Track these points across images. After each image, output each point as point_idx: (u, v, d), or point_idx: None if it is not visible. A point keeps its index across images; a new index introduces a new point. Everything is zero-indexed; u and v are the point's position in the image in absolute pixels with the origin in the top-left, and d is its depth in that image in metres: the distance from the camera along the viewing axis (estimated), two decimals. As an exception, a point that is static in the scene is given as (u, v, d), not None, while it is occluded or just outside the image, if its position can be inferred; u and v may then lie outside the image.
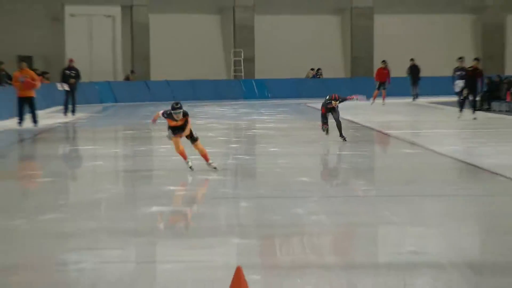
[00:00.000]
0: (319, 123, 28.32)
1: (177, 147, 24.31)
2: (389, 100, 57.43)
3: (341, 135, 27.82)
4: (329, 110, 27.24)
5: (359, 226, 18.58)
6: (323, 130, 28.20)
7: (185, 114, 23.71)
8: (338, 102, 26.90)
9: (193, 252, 15.23)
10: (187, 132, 24.97)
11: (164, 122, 26.22)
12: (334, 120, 27.35)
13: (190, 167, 23.69)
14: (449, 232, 17.17)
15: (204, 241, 16.23)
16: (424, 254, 14.88)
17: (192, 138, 25.31)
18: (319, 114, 48.66)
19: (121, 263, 14.70)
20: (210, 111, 53.05)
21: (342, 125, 27.54)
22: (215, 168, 24.28)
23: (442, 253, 14.96)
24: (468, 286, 12.89)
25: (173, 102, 23.13)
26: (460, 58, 52.87)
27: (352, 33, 66.93)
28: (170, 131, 23.79)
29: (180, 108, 22.93)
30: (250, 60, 65.26)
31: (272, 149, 33.36)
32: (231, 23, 65.78)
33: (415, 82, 58.66)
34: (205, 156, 24.59)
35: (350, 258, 15.39)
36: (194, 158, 26.40)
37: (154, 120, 25.28)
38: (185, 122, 24.77)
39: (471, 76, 46.28)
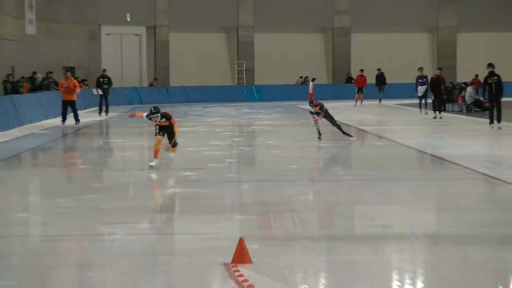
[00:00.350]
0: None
1: (156, 144, 22.62)
2: (363, 102, 57.21)
3: (344, 133, 26.83)
4: (315, 113, 25.94)
5: (338, 204, 18.64)
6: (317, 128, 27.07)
7: (167, 118, 21.95)
8: (318, 107, 25.94)
9: (203, 225, 15.28)
10: (174, 139, 23.40)
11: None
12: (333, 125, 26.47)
13: (151, 166, 22.13)
14: (412, 209, 17.22)
15: (212, 216, 16.29)
16: (391, 227, 14.95)
17: (173, 144, 23.79)
18: (307, 113, 48.67)
19: (145, 234, 14.76)
20: (218, 111, 52.87)
21: (341, 126, 26.80)
22: (151, 166, 22.83)
23: (406, 226, 15.02)
24: (427, 252, 12.94)
25: (151, 106, 21.73)
26: (420, 68, 52.78)
27: (333, 48, 66.79)
28: (157, 127, 22.23)
29: (157, 112, 21.34)
30: (250, 70, 65.21)
31: (268, 142, 33.36)
32: (235, 40, 65.65)
33: (380, 88, 58.51)
34: (168, 148, 23.43)
35: (331, 230, 15.53)
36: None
37: (133, 115, 24.44)
38: (170, 125, 22.96)
39: (435, 83, 46.14)
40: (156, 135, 21.76)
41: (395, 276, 11.44)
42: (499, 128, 36.41)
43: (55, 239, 14.52)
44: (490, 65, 37.64)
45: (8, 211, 16.75)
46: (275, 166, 25.33)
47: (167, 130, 21.98)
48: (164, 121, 20.72)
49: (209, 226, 15.26)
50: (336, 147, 29.90)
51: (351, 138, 26.39)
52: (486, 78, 37.82)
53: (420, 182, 21.58)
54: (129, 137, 34.85)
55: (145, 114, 22.52)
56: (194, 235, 14.80)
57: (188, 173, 23.50)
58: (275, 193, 19.40)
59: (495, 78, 37.33)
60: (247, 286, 10.31)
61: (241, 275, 10.61)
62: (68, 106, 39.83)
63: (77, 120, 39.85)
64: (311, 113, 26.14)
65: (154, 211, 17.86)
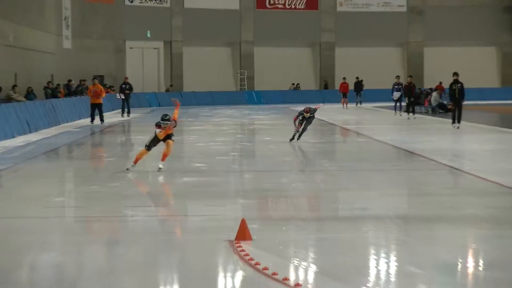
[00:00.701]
0: (294, 126, 26.53)
1: (140, 154, 20.03)
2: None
3: (299, 137, 25.90)
4: (303, 119, 25.12)
5: (325, 191, 18.74)
6: (295, 133, 26.18)
7: (168, 122, 19.24)
8: (309, 114, 24.90)
9: (211, 208, 15.25)
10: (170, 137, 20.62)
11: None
12: (303, 129, 25.64)
13: (127, 169, 19.61)
14: (386, 194, 17.14)
15: (219, 201, 16.27)
16: (369, 210, 14.97)
17: (169, 136, 20.82)
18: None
19: (162, 216, 14.87)
20: (223, 112, 52.72)
21: (305, 132, 26.25)
22: (159, 168, 19.88)
23: (381, 209, 15.04)
24: (398, 230, 13.12)
25: (163, 114, 19.36)
26: (397, 76, 52.74)
27: (320, 60, 66.56)
28: (152, 141, 19.50)
29: (169, 120, 18.90)
30: (251, 78, 65.02)
31: (266, 138, 33.49)
32: (238, 53, 65.47)
33: (358, 93, 58.37)
34: (164, 156, 20.23)
35: (318, 212, 15.55)
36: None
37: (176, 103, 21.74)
38: (170, 135, 20.36)
39: (407, 88, 46.08)
40: (145, 147, 19.18)
41: (372, 250, 11.49)
42: (458, 127, 36.36)
43: (87, 220, 14.56)
44: (455, 73, 37.65)
45: (48, 196, 16.76)
46: (272, 158, 25.26)
47: (165, 139, 19.40)
48: (169, 129, 18.75)
49: (216, 209, 15.26)
50: (322, 142, 30.03)
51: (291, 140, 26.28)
52: (451, 85, 37.78)
53: (393, 172, 21.56)
54: (147, 134, 34.87)
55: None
56: (204, 216, 14.84)
57: (199, 164, 23.55)
58: (271, 181, 19.48)
59: (459, 85, 37.35)
60: (248, 260, 10.35)
61: (243, 250, 10.73)
62: (96, 108, 39.83)
63: (102, 120, 39.66)
64: (303, 118, 25.29)
65: (170, 196, 18.01)
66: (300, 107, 55.82)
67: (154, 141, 19.19)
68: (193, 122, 42.60)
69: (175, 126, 19.74)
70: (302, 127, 24.77)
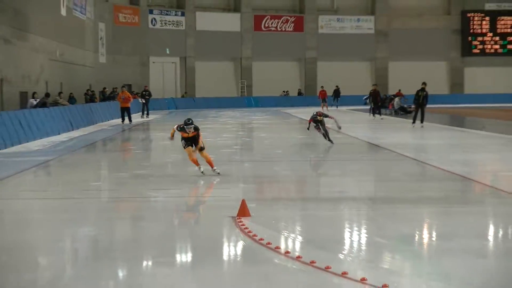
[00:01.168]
0: (308, 124, 24.50)
1: (190, 156, 17.53)
2: (340, 112, 57.03)
3: (329, 139, 23.82)
4: (317, 121, 23.51)
5: (310, 177, 18.89)
6: (309, 128, 24.27)
7: (196, 129, 17.26)
8: (321, 117, 23.56)
9: (217, 191, 15.39)
10: (199, 144, 18.15)
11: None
12: (323, 130, 23.82)
13: (202, 172, 17.10)
14: (359, 180, 17.23)
15: (223, 185, 16.23)
16: (345, 192, 14.86)
17: (201, 148, 18.44)
18: (288, 115, 48.36)
19: (178, 197, 14.70)
20: (227, 114, 52.50)
21: (329, 133, 24.41)
22: (218, 173, 17.55)
23: (354, 192, 15.01)
24: (368, 209, 13.13)
25: (186, 118, 17.02)
26: (375, 84, 52.66)
27: (305, 71, 66.15)
28: (183, 141, 17.34)
29: (192, 124, 16.67)
30: (249, 86, 64.70)
31: (261, 135, 33.15)
32: (239, 66, 65.13)
33: (336, 98, 57.98)
34: (210, 163, 17.83)
35: (304, 194, 15.69)
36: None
37: (172, 136, 18.35)
38: (197, 135, 18.20)
39: (373, 95, 45.86)
40: (185, 147, 17.02)
41: (347, 225, 11.65)
42: (422, 126, 35.92)
43: (117, 200, 14.57)
44: (424, 83, 37.34)
45: (87, 181, 16.74)
46: (266, 150, 25.28)
47: (193, 140, 17.13)
48: (193, 132, 16.50)
49: (222, 191, 15.33)
50: (307, 138, 29.61)
51: (333, 143, 24.06)
52: (418, 91, 37.34)
53: (364, 162, 21.57)
54: (166, 131, 34.86)
55: (176, 126, 17.79)
56: (212, 197, 15.15)
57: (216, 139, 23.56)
58: (266, 169, 19.49)
59: (424, 92, 37.04)
60: (247, 232, 10.34)
61: (243, 225, 10.81)
62: (124, 111, 39.69)
63: (130, 120, 39.33)
64: (317, 121, 23.72)
65: (185, 181, 17.66)
66: (289, 110, 55.70)
67: (187, 140, 16.90)
68: (203, 121, 42.39)
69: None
70: (322, 130, 23.63)
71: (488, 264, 9.23)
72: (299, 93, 68.56)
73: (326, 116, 23.06)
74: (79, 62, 48.33)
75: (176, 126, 17.91)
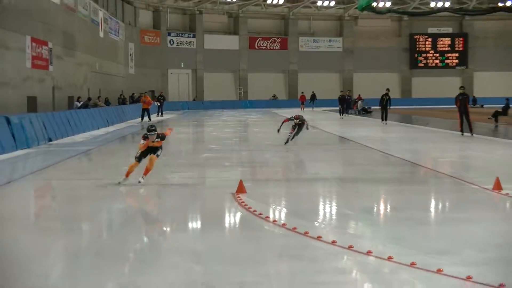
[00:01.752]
0: (280, 125, 22.44)
1: (132, 167, 13.33)
2: (315, 113, 56.91)
3: (292, 139, 20.91)
4: (295, 125, 21.05)
5: (293, 162, 18.66)
6: (279, 131, 21.57)
7: (162, 138, 13.64)
8: (298, 120, 21.23)
9: (221, 174, 15.11)
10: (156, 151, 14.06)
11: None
12: (295, 133, 21.37)
13: (119, 183, 13.02)
14: (331, 165, 17.13)
15: (225, 168, 16.21)
16: (319, 174, 14.84)
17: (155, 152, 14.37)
18: (275, 114, 48.13)
19: (190, 178, 14.49)
20: (228, 113, 52.20)
21: (298, 135, 21.84)
22: (139, 182, 13.26)
23: (327, 173, 14.90)
24: (338, 187, 13.08)
25: (149, 125, 13.53)
26: (349, 90, 52.69)
27: (289, 81, 65.89)
28: (138, 151, 13.35)
29: (155, 131, 13.16)
30: (245, 92, 64.37)
31: (255, 129, 33.13)
32: (238, 76, 64.90)
33: (313, 101, 57.58)
34: (147, 170, 13.65)
35: (288, 176, 15.55)
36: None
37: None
38: (159, 147, 14.14)
39: (342, 99, 45.54)
40: (135, 159, 13.09)
41: (321, 200, 11.72)
42: (386, 123, 35.22)
43: (144, 182, 14.48)
44: (387, 89, 37.05)
45: (120, 165, 16.63)
46: (259, 142, 25.08)
47: (151, 151, 13.23)
48: (157, 141, 12.93)
49: (224, 173, 15.20)
50: (288, 132, 29.64)
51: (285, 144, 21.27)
52: (383, 95, 36.86)
53: (335, 151, 21.52)
54: (180, 126, 34.75)
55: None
56: (216, 178, 14.84)
57: (213, 146, 23.23)
58: (259, 156, 19.35)
59: (388, 96, 36.70)
60: (244, 205, 10.32)
61: (240, 199, 10.78)
62: (145, 111, 39.41)
63: (149, 119, 38.96)
64: (295, 124, 21.40)
65: (195, 165, 17.51)
66: (276, 110, 55.55)
67: (143, 153, 12.86)
68: (209, 119, 42.37)
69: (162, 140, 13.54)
70: (294, 132, 21.51)
71: (431, 230, 9.35)
72: (274, 97, 68.18)
73: (304, 119, 21.48)
74: (113, 73, 48.37)
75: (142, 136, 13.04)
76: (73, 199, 12.01)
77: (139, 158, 12.90)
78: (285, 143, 21.53)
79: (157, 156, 13.11)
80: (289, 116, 22.06)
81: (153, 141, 12.81)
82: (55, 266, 7.24)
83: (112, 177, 15.05)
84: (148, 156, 12.93)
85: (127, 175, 12.67)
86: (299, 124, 21.27)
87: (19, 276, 6.74)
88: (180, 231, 8.88)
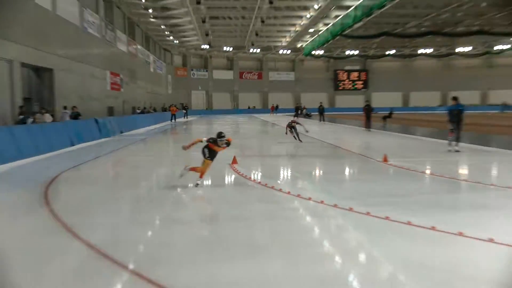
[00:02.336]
0: (286, 130, 21.86)
1: (205, 168, 9.65)
2: (278, 116, 56.94)
3: (299, 139, 17.70)
4: (291, 127, 18.11)
5: (265, 146, 18.16)
6: (286, 133, 18.48)
7: (228, 144, 10.13)
8: (295, 123, 18.31)
9: (223, 152, 14.90)
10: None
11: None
12: (295, 133, 18.02)
13: (197, 184, 9.11)
14: (286, 146, 16.76)
15: (226, 150, 15.89)
16: (283, 153, 14.72)
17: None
18: (255, 118, 47.24)
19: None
20: (227, 117, 51.62)
21: (300, 135, 18.65)
22: (197, 185, 9.14)
23: (288, 152, 14.80)
24: (293, 160, 12.83)
25: (219, 131, 10.09)
26: (297, 104, 52.31)
27: (263, 98, 65.40)
28: (207, 151, 9.81)
29: (225, 137, 9.98)
30: (237, 104, 63.63)
31: (245, 126, 32.32)
32: (232, 95, 64.15)
33: (276, 109, 57.99)
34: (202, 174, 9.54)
35: (266, 153, 15.19)
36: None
37: (188, 147, 9.96)
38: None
39: (296, 107, 44.54)
40: (206, 158, 9.73)
41: (282, 168, 11.52)
42: (324, 123, 33.50)
43: (175, 155, 14.19)
44: (321, 102, 36.48)
45: (162, 147, 16.42)
46: (247, 133, 24.51)
47: (216, 155, 9.93)
48: (223, 146, 9.85)
49: (225, 152, 14.74)
50: (264, 128, 29.16)
51: (301, 142, 17.89)
52: (319, 106, 36.37)
53: (290, 138, 20.89)
54: (198, 124, 34.37)
55: (206, 138, 9.92)
56: (219, 155, 14.54)
57: (222, 128, 23.14)
58: (247, 142, 18.90)
59: (322, 107, 36.22)
60: (236, 171, 10.31)
61: (234, 168, 10.74)
62: (173, 116, 38.82)
63: (175, 120, 38.65)
64: (292, 127, 18.33)
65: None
66: (256, 115, 54.38)
67: (213, 152, 9.51)
68: (216, 121, 41.84)
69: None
70: (295, 133, 18.15)
71: (346, 185, 9.35)
72: (254, 107, 67.35)
73: (298, 123, 18.96)
74: (159, 93, 47.87)
75: (209, 137, 9.66)
76: (134, 167, 11.89)
77: (210, 156, 9.23)
78: (300, 141, 17.92)
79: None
80: (287, 123, 19.24)
81: (220, 146, 9.29)
82: (123, 206, 7.29)
83: (158, 154, 15.05)
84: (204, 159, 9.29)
85: (202, 175, 9.07)
86: (294, 127, 18.45)
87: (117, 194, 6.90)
88: (195, 186, 8.86)
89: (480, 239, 5.09)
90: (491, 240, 5.03)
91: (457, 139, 13.95)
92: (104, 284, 4.07)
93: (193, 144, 9.15)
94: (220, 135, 9.17)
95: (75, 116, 18.78)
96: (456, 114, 13.93)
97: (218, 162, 13.25)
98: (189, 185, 8.94)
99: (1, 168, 10.99)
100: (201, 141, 9.16)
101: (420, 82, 63.10)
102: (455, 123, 13.93)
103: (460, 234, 5.28)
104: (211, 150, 9.21)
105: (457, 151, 13.67)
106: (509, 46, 49.19)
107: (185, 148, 9.23)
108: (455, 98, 14.27)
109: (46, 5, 16.75)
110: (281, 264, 4.51)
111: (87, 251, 4.83)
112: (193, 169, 9.15)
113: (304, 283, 4.06)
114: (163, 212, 6.81)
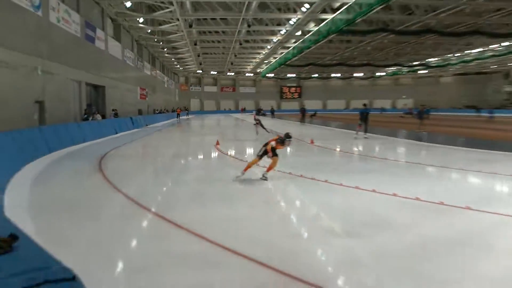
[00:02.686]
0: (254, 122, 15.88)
1: (253, 163, 6.27)
2: (245, 115, 56.57)
3: (266, 131, 15.32)
4: (257, 121, 15.33)
5: (238, 133, 17.19)
6: (255, 125, 15.54)
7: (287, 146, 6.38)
8: (259, 120, 15.48)
9: (209, 136, 14.09)
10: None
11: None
12: (261, 126, 15.66)
13: (237, 177, 6.11)
14: (256, 136, 14.78)
15: (211, 136, 15.06)
16: (251, 137, 14.03)
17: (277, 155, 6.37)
18: (231, 116, 44.51)
19: (198, 138, 13.62)
20: (212, 116, 50.38)
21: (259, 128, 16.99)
22: (265, 178, 6.01)
23: (253, 137, 14.14)
24: (255, 143, 11.98)
25: (287, 132, 6.33)
26: (259, 107, 51.02)
27: (236, 103, 63.54)
28: (263, 149, 6.24)
29: (291, 137, 6.29)
30: (219, 107, 62.12)
31: (224, 121, 30.95)
32: (217, 102, 62.10)
33: (244, 110, 55.06)
34: (270, 168, 6.18)
35: (239, 138, 14.42)
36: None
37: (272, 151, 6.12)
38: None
39: (257, 109, 43.29)
40: (257, 156, 6.26)
41: (247, 147, 11.04)
42: (274, 117, 32.81)
43: (180, 139, 13.73)
44: (271, 106, 36.27)
45: (173, 136, 15.94)
46: (226, 125, 23.42)
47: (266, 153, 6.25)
48: (281, 146, 6.27)
49: (210, 137, 13.97)
50: (237, 122, 28.01)
51: (269, 132, 15.30)
52: (271, 109, 36.05)
53: (255, 129, 20.32)
54: (196, 121, 33.49)
55: (274, 139, 6.38)
56: (208, 138, 13.68)
57: (206, 126, 22.22)
58: (224, 131, 18.26)
59: (273, 109, 35.66)
60: (219, 149, 10.12)
61: (218, 148, 10.39)
62: (178, 115, 36.46)
63: (179, 118, 36.72)
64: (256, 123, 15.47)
65: (199, 134, 16.36)
66: (231, 114, 52.78)
67: (265, 152, 6.30)
68: (206, 118, 40.55)
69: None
70: (260, 126, 15.23)
71: (289, 158, 9.02)
72: (230, 109, 65.43)
73: (259, 119, 15.78)
74: (170, 100, 45.95)
75: (273, 139, 6.45)
76: (155, 148, 11.41)
77: (260, 156, 6.27)
78: (267, 132, 15.48)
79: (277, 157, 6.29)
80: (254, 119, 15.84)
81: (284, 145, 6.34)
82: (148, 172, 7.17)
83: (171, 140, 14.37)
84: (270, 156, 6.20)
85: (246, 169, 6.27)
86: (259, 122, 15.50)
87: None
88: (193, 159, 8.68)
89: (367, 190, 5.23)
90: (373, 190, 5.18)
91: (365, 131, 13.72)
92: (136, 221, 4.04)
93: (275, 148, 6.19)
94: (288, 135, 6.26)
95: (115, 115, 18.92)
96: (365, 115, 13.82)
97: (207, 144, 12.57)
98: (190, 158, 8.69)
99: (73, 148, 10.57)
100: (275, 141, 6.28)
101: (332, 94, 63.31)
102: (363, 120, 13.75)
103: (356, 187, 5.40)
104: (275, 148, 6.21)
105: (366, 138, 13.25)
106: (384, 73, 51.75)
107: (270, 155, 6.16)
108: (364, 104, 14.29)
109: (102, 47, 17.72)
110: (245, 208, 4.51)
111: (125, 200, 4.87)
112: (270, 168, 6.12)
113: (260, 219, 4.07)
114: (173, 175, 6.73)
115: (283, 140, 6.30)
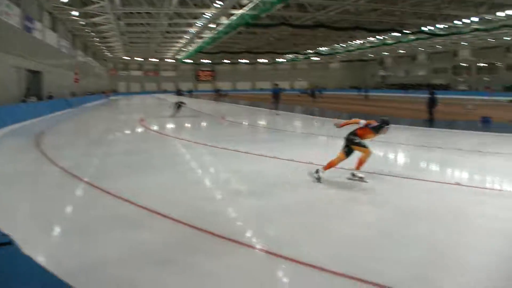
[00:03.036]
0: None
1: (337, 162, 3.74)
2: (167, 95, 50.81)
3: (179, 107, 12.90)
4: (177, 102, 13.08)
5: (166, 112, 14.71)
6: (175, 104, 12.90)
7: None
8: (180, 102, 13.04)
9: (136, 114, 13.10)
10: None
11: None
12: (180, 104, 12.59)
13: (361, 177, 3.69)
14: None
15: (136, 113, 14.02)
16: (184, 114, 12.68)
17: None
18: (154, 97, 40.59)
19: (190, 120, 11.87)
20: (135, 96, 45.27)
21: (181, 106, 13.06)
22: (361, 177, 3.71)
23: (192, 114, 12.98)
24: (174, 122, 11.09)
25: (385, 118, 3.61)
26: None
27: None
28: (364, 142, 3.57)
29: (389, 124, 3.39)
30: (144, 89, 56.64)
31: (146, 101, 28.45)
32: (142, 84, 56.59)
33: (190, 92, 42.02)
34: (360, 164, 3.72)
35: (163, 115, 12.83)
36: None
37: (343, 125, 3.87)
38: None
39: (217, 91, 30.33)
40: (343, 152, 3.69)
41: (186, 124, 10.41)
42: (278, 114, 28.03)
43: (106, 123, 12.54)
44: (190, 89, 34.84)
45: (92, 124, 11.97)
46: (149, 105, 21.24)
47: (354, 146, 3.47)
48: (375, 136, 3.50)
49: (136, 115, 12.93)
50: (162, 102, 24.78)
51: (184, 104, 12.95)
52: (189, 90, 34.80)
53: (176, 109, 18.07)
54: (123, 101, 30.01)
55: (366, 121, 3.77)
56: (135, 116, 12.66)
57: (136, 102, 20.69)
58: (148, 109, 16.88)
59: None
60: (143, 126, 9.48)
61: (143, 124, 9.73)
62: (106, 95, 32.15)
63: (109, 98, 32.13)
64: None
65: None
66: (154, 95, 43.92)
67: (352, 144, 3.66)
68: (130, 98, 35.95)
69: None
70: (179, 105, 12.61)
71: (205, 131, 8.98)
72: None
73: (181, 99, 14.22)
74: (101, 83, 39.21)
75: (366, 122, 3.90)
76: (87, 125, 10.05)
77: (349, 152, 3.98)
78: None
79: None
80: (174, 100, 13.85)
81: (378, 134, 3.96)
82: (81, 146, 6.53)
83: (99, 115, 13.02)
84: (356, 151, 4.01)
85: (328, 168, 4.01)
86: (180, 102, 12.59)
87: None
88: (122, 135, 8.19)
89: (269, 157, 5.29)
90: (275, 157, 5.26)
91: (277, 108, 13.11)
92: (69, 190, 3.92)
93: (349, 123, 4.15)
94: (386, 121, 4.00)
95: (50, 97, 17.30)
96: (277, 93, 13.65)
97: (134, 120, 11.60)
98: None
99: (13, 126, 9.81)
100: (357, 123, 4.11)
101: (241, 76, 60.47)
102: (276, 98, 13.50)
103: (261, 155, 5.50)
104: (363, 137, 4.00)
105: (277, 114, 12.53)
106: (284, 60, 52.43)
107: (338, 125, 4.21)
108: (276, 84, 14.49)
109: (39, 37, 16.90)
110: (170, 174, 4.52)
111: (60, 172, 4.73)
112: (358, 167, 4.02)
113: (185, 185, 4.03)
114: (104, 149, 6.45)
115: (379, 127, 3.95)
